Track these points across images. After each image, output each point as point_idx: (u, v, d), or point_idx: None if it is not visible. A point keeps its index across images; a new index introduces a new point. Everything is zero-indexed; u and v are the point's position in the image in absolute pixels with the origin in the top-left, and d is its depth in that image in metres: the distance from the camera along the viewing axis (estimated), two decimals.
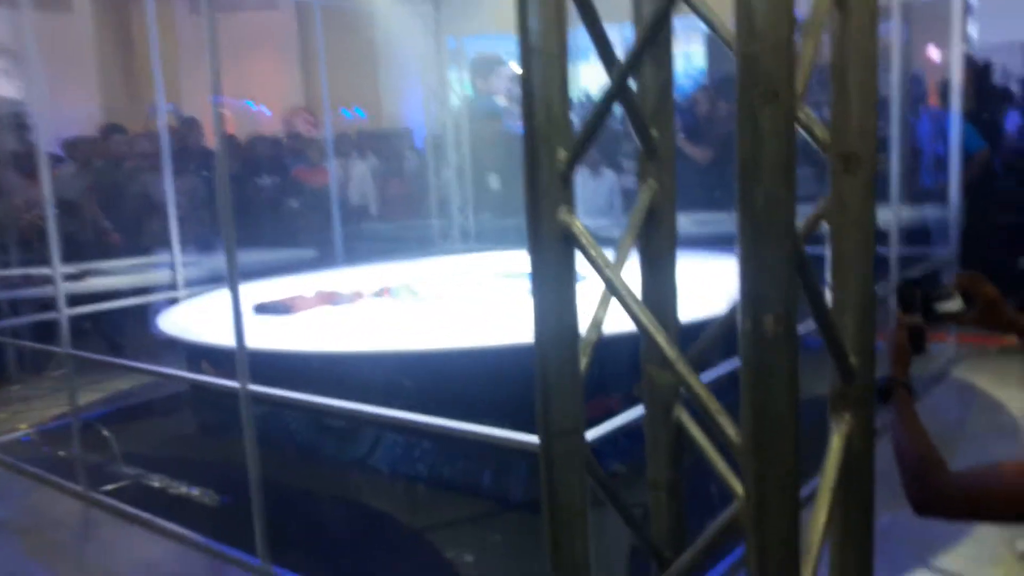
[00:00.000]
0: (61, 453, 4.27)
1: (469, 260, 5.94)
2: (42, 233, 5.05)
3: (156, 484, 3.79)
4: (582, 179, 6.36)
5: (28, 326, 5.31)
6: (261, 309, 4.09)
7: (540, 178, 1.10)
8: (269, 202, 7.03)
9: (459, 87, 7.37)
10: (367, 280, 5.02)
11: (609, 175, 6.60)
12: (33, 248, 5.78)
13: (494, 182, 7.02)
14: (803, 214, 1.02)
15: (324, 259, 6.34)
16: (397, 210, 7.97)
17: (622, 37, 6.19)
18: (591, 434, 1.96)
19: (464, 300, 4.34)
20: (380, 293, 4.46)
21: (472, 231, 7.08)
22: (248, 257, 5.38)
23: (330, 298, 4.25)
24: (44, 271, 5.49)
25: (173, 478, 3.81)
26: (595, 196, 6.48)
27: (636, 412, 2.08)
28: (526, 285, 4.45)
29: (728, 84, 6.79)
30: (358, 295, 4.33)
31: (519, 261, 5.29)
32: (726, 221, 5.10)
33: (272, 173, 7.19)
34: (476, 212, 7.06)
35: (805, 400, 0.92)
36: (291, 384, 2.88)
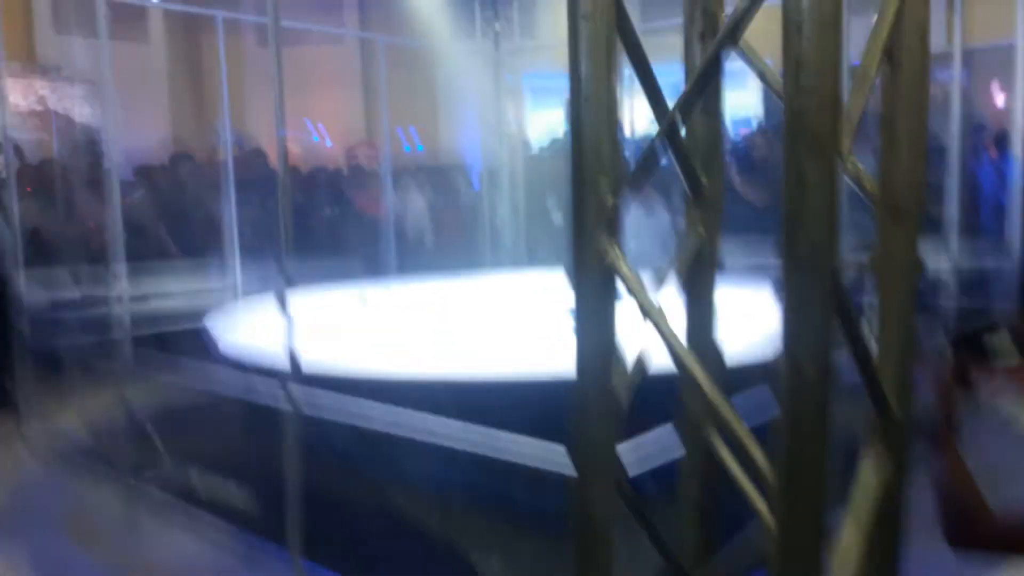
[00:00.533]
0: (107, 447, 4.34)
1: (524, 279, 5.98)
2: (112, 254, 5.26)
3: (197, 481, 3.83)
4: (635, 218, 6.35)
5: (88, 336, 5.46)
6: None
7: (587, 219, 1.14)
8: (328, 232, 7.20)
9: (515, 122, 7.48)
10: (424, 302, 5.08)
11: (663, 213, 6.60)
12: (101, 267, 5.98)
13: (558, 218, 7.07)
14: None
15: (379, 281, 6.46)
16: (451, 244, 8.08)
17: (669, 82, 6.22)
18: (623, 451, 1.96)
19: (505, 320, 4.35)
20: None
21: (524, 255, 7.14)
22: (304, 283, 5.48)
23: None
24: (110, 291, 5.72)
25: (214, 475, 3.85)
26: (651, 234, 6.48)
27: (667, 432, 2.07)
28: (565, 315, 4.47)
29: None
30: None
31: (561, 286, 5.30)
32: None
33: (333, 204, 7.37)
34: (529, 248, 7.12)
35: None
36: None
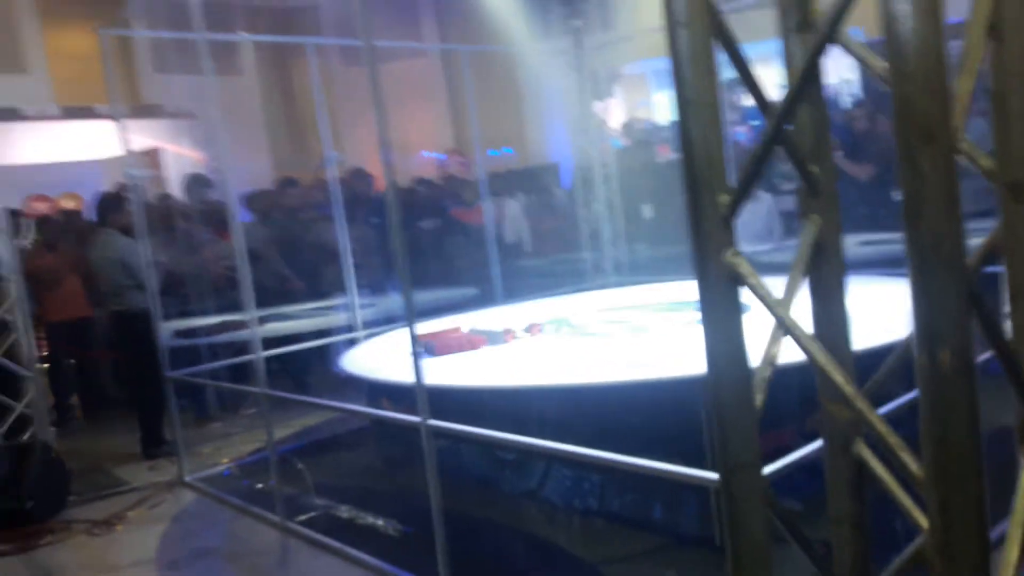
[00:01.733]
0: (259, 485, 4.61)
1: (625, 293, 5.98)
2: (233, 283, 5.55)
3: (345, 514, 4.02)
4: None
5: (224, 368, 5.79)
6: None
7: (704, 223, 1.17)
8: (431, 244, 7.37)
9: (603, 118, 7.46)
10: (521, 317, 5.17)
11: (766, 198, 6.48)
12: (225, 297, 6.32)
13: (647, 211, 7.04)
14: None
15: (484, 296, 6.56)
16: (549, 245, 8.13)
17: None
18: (768, 469, 1.97)
19: (622, 332, 4.38)
20: (530, 330, 4.51)
21: (626, 263, 7.12)
22: (417, 298, 5.64)
23: (473, 342, 4.30)
24: (238, 317, 6.04)
25: (360, 508, 4.04)
26: (753, 221, 6.38)
27: (814, 446, 2.06)
28: (684, 317, 4.48)
29: (886, 98, 6.53)
30: (509, 333, 4.41)
31: (676, 291, 5.28)
32: (893, 241, 4.89)
33: (432, 215, 7.53)
34: (629, 243, 7.10)
35: (993, 431, 0.93)
36: (467, 418, 3.02)
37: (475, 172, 7.69)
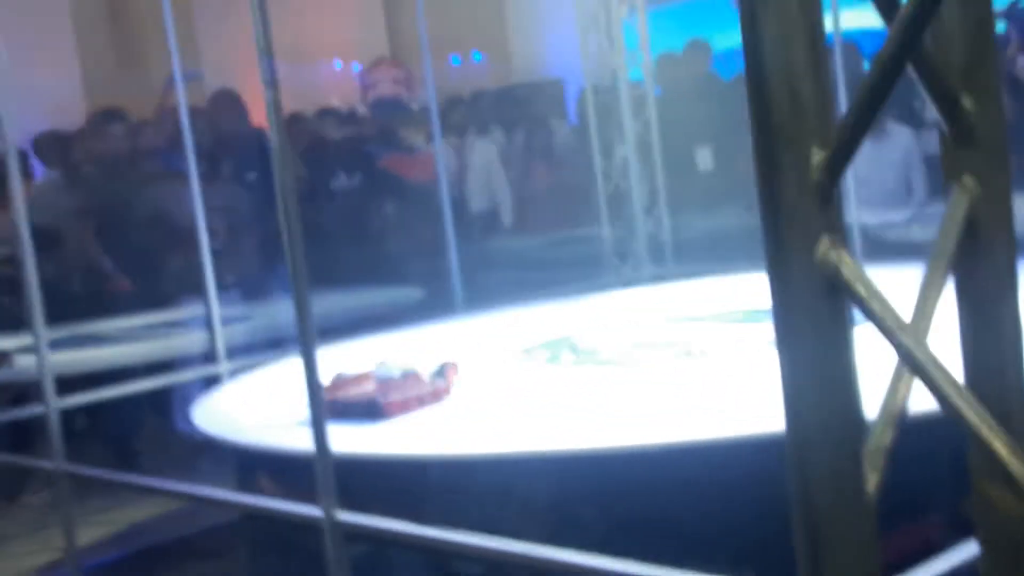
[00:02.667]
0: None
1: (667, 292, 5.99)
2: (12, 284, 5.48)
3: None
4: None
5: None
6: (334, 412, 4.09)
7: (784, 196, 1.16)
8: (346, 215, 7.35)
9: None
10: (502, 335, 5.16)
11: (902, 135, 6.50)
12: (2, 306, 6.27)
13: (704, 159, 7.06)
14: None
15: (434, 301, 6.55)
16: (544, 216, 8.13)
17: None
18: None
19: (663, 360, 4.39)
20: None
21: (668, 243, 7.13)
22: (320, 304, 5.60)
23: (438, 392, 4.16)
24: (16, 341, 6.01)
25: None
26: (881, 172, 6.39)
27: (967, 551, 2.07)
28: (769, 333, 4.46)
29: None
30: (451, 368, 4.28)
31: (754, 291, 5.30)
32: None
33: (348, 167, 7.51)
34: (674, 211, 7.12)
35: None
36: (398, 509, 3.02)
37: (420, 94, 7.67)
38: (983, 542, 1.33)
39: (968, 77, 1.29)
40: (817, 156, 1.13)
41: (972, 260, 1.30)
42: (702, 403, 3.66)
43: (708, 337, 4.68)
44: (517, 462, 3.51)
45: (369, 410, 3.98)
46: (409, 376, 4.19)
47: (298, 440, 3.47)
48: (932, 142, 6.48)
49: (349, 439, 3.61)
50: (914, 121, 6.60)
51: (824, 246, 1.13)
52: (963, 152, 1.30)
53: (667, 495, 3.34)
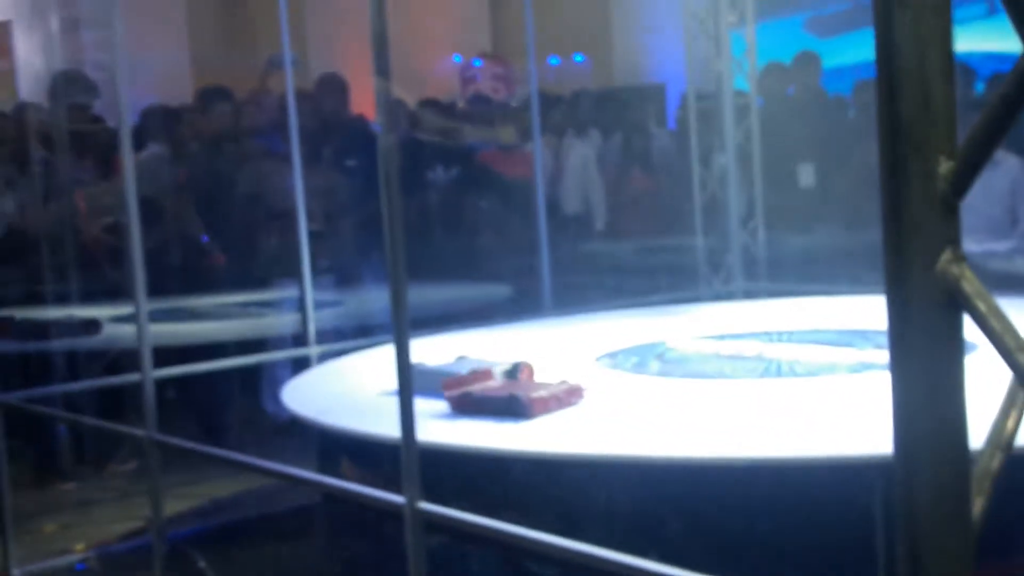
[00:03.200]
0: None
1: (765, 309, 5.93)
2: (115, 252, 5.57)
3: None
4: None
5: (87, 394, 5.85)
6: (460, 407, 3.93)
7: (909, 204, 1.15)
8: (444, 207, 7.37)
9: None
10: (588, 338, 5.15)
11: (1010, 163, 6.39)
12: (100, 275, 6.36)
13: (806, 175, 6.99)
14: None
15: (523, 300, 6.56)
16: (638, 222, 8.10)
17: None
18: None
19: (753, 374, 4.35)
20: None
21: (762, 258, 7.07)
22: (410, 296, 5.62)
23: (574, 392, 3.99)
24: (113, 311, 6.10)
25: None
26: (986, 200, 6.29)
27: None
28: (867, 357, 4.41)
29: None
30: (525, 368, 4.18)
31: (856, 313, 5.23)
32: None
33: (447, 161, 7.54)
34: (772, 226, 7.06)
35: None
36: (483, 504, 3.03)
37: (519, 92, 7.68)
38: None
39: None
40: (945, 166, 1.12)
41: None
42: (788, 421, 3.62)
43: (799, 355, 4.63)
44: (589, 466, 3.50)
45: (511, 407, 3.84)
46: (480, 372, 4.15)
47: (386, 425, 3.48)
48: None
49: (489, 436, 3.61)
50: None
51: (946, 259, 1.12)
52: None
53: (745, 511, 3.32)
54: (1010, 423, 1.20)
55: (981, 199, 6.29)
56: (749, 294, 6.83)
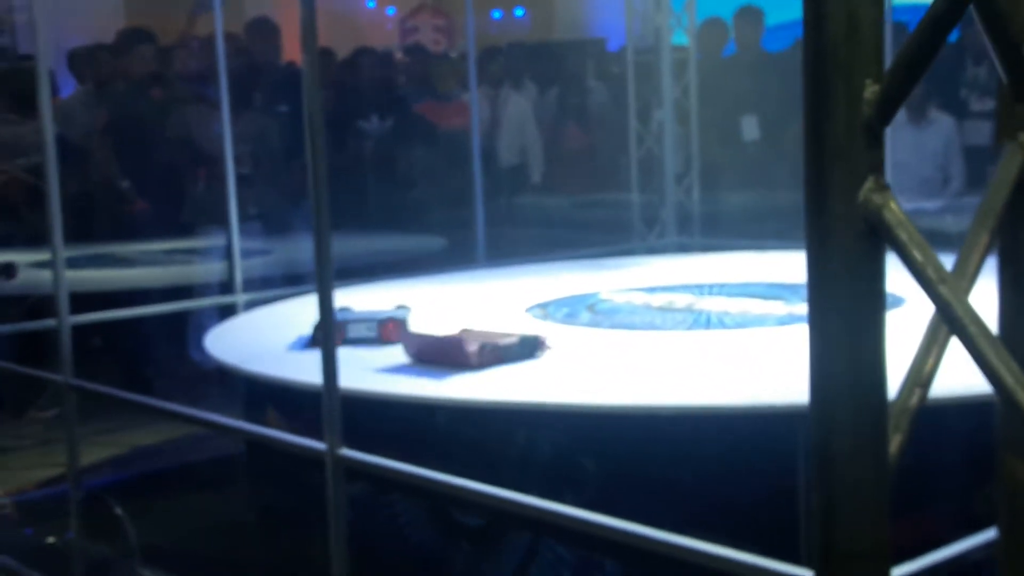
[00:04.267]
0: (50, 539, 4.59)
1: (698, 264, 5.94)
2: (33, 196, 5.46)
3: None
4: (897, 131, 6.21)
5: (9, 341, 5.76)
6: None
7: (832, 129, 1.11)
8: (377, 157, 7.32)
9: None
10: (520, 290, 5.14)
11: (943, 123, 6.43)
12: (17, 220, 6.25)
13: (750, 128, 6.97)
14: None
15: (457, 251, 6.53)
16: (574, 176, 8.08)
17: None
18: (900, 571, 1.93)
19: (681, 325, 4.36)
20: (545, 310, 4.40)
21: (696, 214, 7.07)
22: (341, 246, 5.58)
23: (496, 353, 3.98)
24: (32, 256, 6.00)
25: None
26: (919, 159, 6.33)
27: (982, 538, 2.02)
28: (793, 309, 4.44)
29: None
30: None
31: (785, 267, 5.25)
32: None
33: (382, 110, 7.47)
34: (711, 184, 7.05)
35: None
36: (406, 452, 2.99)
37: (459, 43, 7.61)
38: (1003, 525, 1.29)
39: None
40: (870, 91, 1.08)
41: (1020, 223, 1.25)
42: (714, 370, 3.62)
43: (729, 307, 4.65)
44: (511, 412, 3.50)
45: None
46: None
47: (308, 372, 3.44)
48: (975, 133, 6.41)
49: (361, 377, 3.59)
50: (959, 110, 6.53)
51: (869, 187, 1.09)
52: (1021, 107, 1.25)
53: (667, 458, 3.32)
54: (930, 360, 1.17)
55: (914, 158, 6.34)
56: (683, 248, 6.83)
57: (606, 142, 7.96)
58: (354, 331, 4.15)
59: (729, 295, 4.90)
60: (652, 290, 5.14)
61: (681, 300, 4.86)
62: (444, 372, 3.69)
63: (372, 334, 4.13)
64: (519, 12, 11.52)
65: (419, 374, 3.78)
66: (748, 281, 5.13)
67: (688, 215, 7.14)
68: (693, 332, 4.30)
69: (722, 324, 4.38)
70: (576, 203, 7.79)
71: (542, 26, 11.44)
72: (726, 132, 7.11)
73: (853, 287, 1.10)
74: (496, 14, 11.30)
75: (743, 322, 4.36)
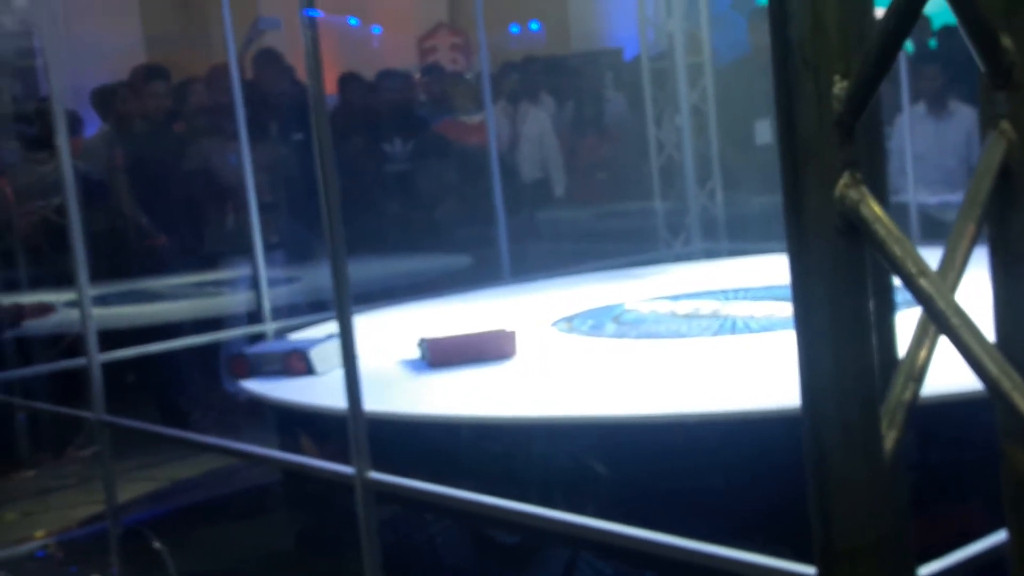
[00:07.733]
0: None
1: (720, 270, 5.92)
2: (57, 236, 5.49)
3: None
4: (919, 123, 6.19)
5: (41, 379, 5.79)
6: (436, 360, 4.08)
7: (802, 127, 1.11)
8: (398, 179, 7.31)
9: None
10: (547, 304, 5.14)
11: (965, 114, 6.37)
12: (42, 260, 6.29)
13: (763, 132, 6.93)
14: None
15: (482, 269, 6.53)
16: (596, 187, 8.07)
17: None
18: (927, 569, 1.92)
19: (706, 333, 4.35)
20: (571, 323, 4.42)
21: (721, 218, 7.05)
22: (367, 270, 5.59)
23: (502, 347, 4.14)
24: (59, 296, 6.05)
25: None
26: (940, 151, 6.27)
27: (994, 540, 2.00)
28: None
29: None
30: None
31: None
32: None
33: (402, 131, 7.47)
34: (730, 187, 7.02)
35: None
36: (437, 473, 3.00)
37: (476, 61, 7.62)
38: (1010, 516, 1.28)
39: (1009, 16, 1.23)
40: (839, 86, 1.08)
41: (1007, 210, 1.24)
42: (742, 378, 3.61)
43: (754, 312, 4.63)
44: (543, 427, 3.50)
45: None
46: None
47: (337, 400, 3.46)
48: None
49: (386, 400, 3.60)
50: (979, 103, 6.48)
51: (844, 183, 1.08)
52: (1000, 95, 1.25)
53: (692, 467, 3.32)
54: (922, 353, 1.16)
55: (936, 150, 6.29)
56: (709, 254, 6.80)
57: (626, 152, 7.94)
58: (263, 364, 4.28)
59: (754, 299, 4.88)
60: (677, 298, 5.13)
61: (706, 307, 4.84)
62: (469, 386, 3.77)
63: (277, 367, 4.25)
64: (534, 26, 11.53)
65: (443, 392, 3.82)
66: (772, 284, 5.11)
67: (713, 220, 7.11)
68: (719, 338, 4.29)
69: (748, 329, 4.36)
70: (599, 214, 7.78)
71: (558, 39, 11.43)
72: (743, 135, 7.08)
73: (834, 284, 1.10)
74: (514, 28, 11.31)
75: (768, 326, 4.33)
